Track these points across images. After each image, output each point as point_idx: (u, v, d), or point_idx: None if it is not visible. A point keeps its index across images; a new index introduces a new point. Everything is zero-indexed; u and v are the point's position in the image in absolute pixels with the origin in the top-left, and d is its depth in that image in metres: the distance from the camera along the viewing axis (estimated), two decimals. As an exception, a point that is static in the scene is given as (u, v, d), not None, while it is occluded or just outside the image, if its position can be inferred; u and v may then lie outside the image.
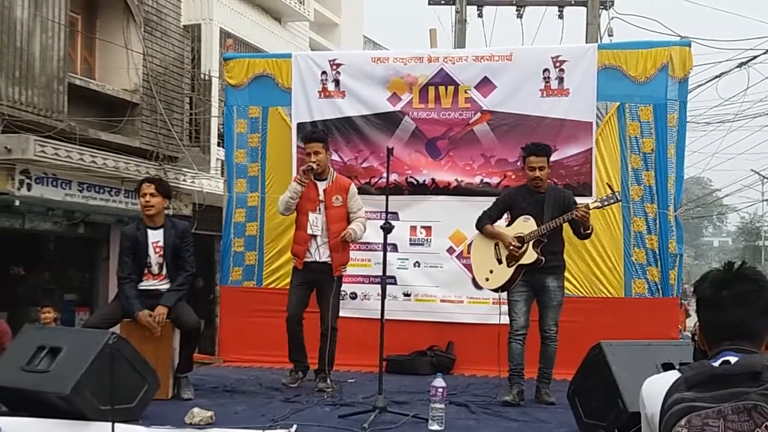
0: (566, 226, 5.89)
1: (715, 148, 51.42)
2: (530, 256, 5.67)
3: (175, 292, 5.66)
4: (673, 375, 1.88)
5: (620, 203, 6.69)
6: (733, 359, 1.86)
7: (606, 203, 5.91)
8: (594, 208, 5.80)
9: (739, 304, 1.93)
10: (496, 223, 5.99)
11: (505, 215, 6.06)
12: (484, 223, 5.96)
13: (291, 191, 6.12)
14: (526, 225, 5.73)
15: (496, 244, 5.85)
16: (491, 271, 5.86)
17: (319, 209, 6.13)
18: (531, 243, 5.67)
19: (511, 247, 5.71)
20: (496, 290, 5.91)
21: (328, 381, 5.97)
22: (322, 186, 6.18)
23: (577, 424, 4.42)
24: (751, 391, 1.73)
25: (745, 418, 1.70)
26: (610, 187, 6.38)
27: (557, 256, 5.84)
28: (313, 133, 6.60)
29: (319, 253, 6.09)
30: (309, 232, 6.09)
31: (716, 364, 1.87)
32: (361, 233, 6.20)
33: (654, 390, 1.91)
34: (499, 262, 5.81)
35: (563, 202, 5.78)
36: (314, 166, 6.08)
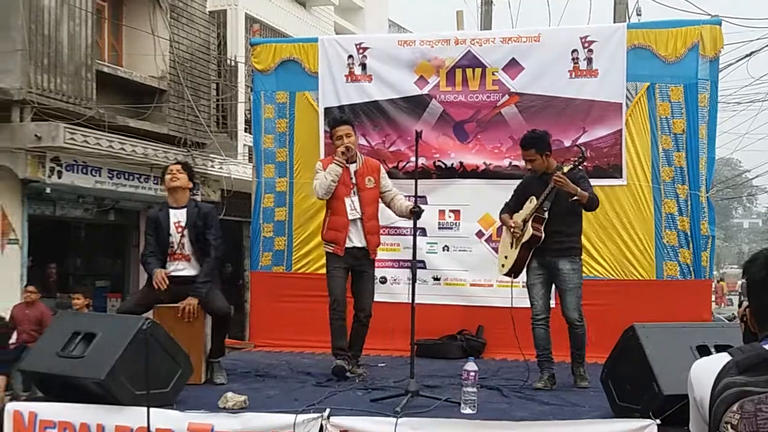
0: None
1: (745, 129, 50.79)
2: (527, 233, 5.60)
3: (203, 282, 5.69)
4: (723, 358, 1.84)
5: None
6: None
7: (576, 162, 5.65)
8: (567, 170, 5.56)
9: None
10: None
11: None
12: (502, 213, 5.95)
13: (333, 174, 5.97)
14: (530, 205, 5.68)
15: (512, 231, 5.82)
16: (506, 257, 5.84)
17: (354, 192, 6.06)
18: (530, 221, 5.60)
19: (513, 230, 5.69)
20: (508, 275, 5.85)
21: (362, 368, 5.99)
22: (352, 169, 6.09)
23: (611, 408, 4.40)
24: None
25: None
26: (578, 146, 6.18)
27: (571, 238, 5.67)
28: (341, 117, 6.59)
29: (360, 237, 6.02)
30: (350, 217, 6.00)
31: (767, 347, 1.82)
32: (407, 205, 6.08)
33: (704, 373, 1.86)
34: (512, 246, 5.79)
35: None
36: (351, 146, 6.03)
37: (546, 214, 5.58)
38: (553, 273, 5.65)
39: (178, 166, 5.98)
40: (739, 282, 42.64)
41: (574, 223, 5.75)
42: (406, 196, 6.40)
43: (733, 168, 44.03)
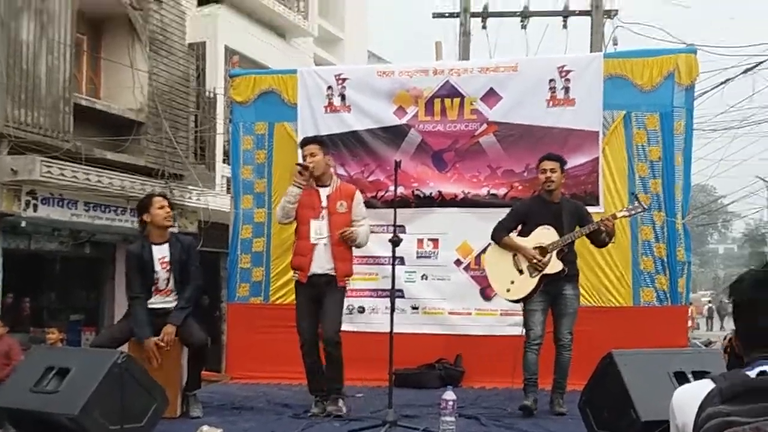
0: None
1: (720, 155, 51.35)
2: (555, 265, 5.65)
3: (181, 309, 5.65)
4: (707, 385, 1.79)
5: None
6: None
7: (633, 212, 5.94)
8: (621, 216, 5.84)
9: None
10: (511, 235, 5.96)
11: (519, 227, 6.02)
12: (500, 234, 5.92)
13: (288, 195, 5.78)
14: (548, 234, 5.71)
15: (515, 255, 5.81)
16: (512, 282, 5.81)
17: (322, 216, 5.74)
18: (554, 253, 5.65)
19: (534, 260, 5.68)
20: (517, 301, 5.86)
21: (340, 403, 5.58)
22: (324, 192, 5.82)
23: (589, 435, 4.38)
24: None
25: None
26: (636, 197, 6.29)
27: (573, 265, 5.85)
28: (308, 138, 6.35)
29: (325, 262, 5.68)
30: (312, 240, 5.68)
31: (752, 374, 1.78)
32: (364, 239, 5.84)
33: (687, 401, 1.82)
34: (520, 272, 5.77)
35: (578, 212, 5.84)
36: (309, 165, 5.74)
37: (567, 248, 5.70)
38: (556, 298, 5.73)
39: (167, 202, 5.86)
40: (706, 306, 42.90)
41: (573, 251, 5.91)
42: (385, 225, 6.36)
43: (708, 194, 44.44)
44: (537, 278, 5.69)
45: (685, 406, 1.80)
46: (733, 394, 1.71)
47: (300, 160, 5.94)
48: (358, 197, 5.94)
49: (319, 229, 5.71)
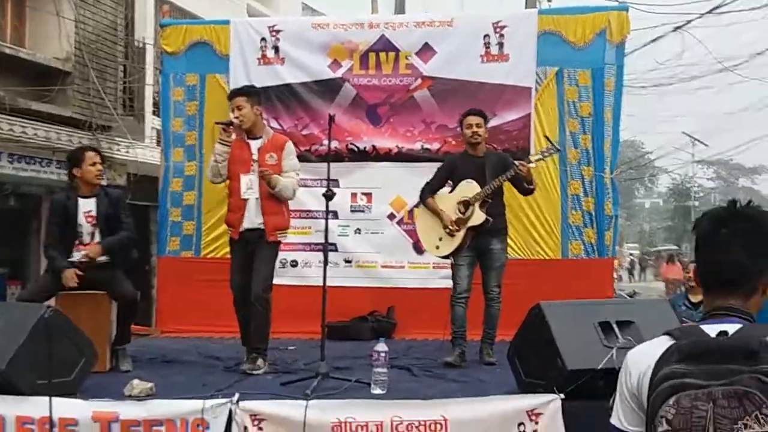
0: (509, 188, 5.97)
1: (649, 112, 52.43)
2: (478, 217, 5.71)
3: (113, 240, 5.59)
4: (663, 343, 1.77)
5: (558, 155, 6.67)
6: (731, 329, 1.74)
7: (546, 154, 5.97)
8: (537, 160, 5.89)
9: (738, 243, 1.82)
10: (441, 190, 6.00)
11: (448, 183, 6.06)
12: (426, 195, 5.99)
13: (214, 153, 5.60)
14: (470, 188, 5.77)
15: (442, 212, 5.87)
16: (440, 239, 5.87)
17: (253, 170, 5.51)
18: (477, 204, 5.71)
19: (448, 229, 5.76)
20: (446, 257, 5.91)
21: (259, 361, 5.35)
22: (255, 145, 5.59)
23: (517, 384, 4.48)
24: (745, 371, 1.63)
25: (736, 404, 1.61)
26: (548, 138, 6.36)
27: (499, 219, 5.90)
28: (234, 89, 6.09)
29: (253, 218, 5.51)
30: (242, 196, 5.50)
31: (712, 333, 1.75)
32: (289, 191, 5.56)
33: (642, 359, 1.80)
34: (448, 228, 5.82)
35: (502, 163, 5.85)
36: (235, 120, 5.55)
37: (490, 198, 5.72)
38: (483, 252, 5.80)
39: (99, 158, 5.72)
40: (628, 259, 44.23)
41: (501, 203, 5.97)
42: (319, 180, 6.27)
43: (636, 149, 45.43)
44: (463, 231, 5.75)
45: (641, 365, 1.79)
46: (690, 352, 1.70)
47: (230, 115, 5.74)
48: (289, 148, 5.69)
49: (249, 183, 5.52)
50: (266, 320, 5.48)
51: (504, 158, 6.01)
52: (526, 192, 6.00)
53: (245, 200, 5.54)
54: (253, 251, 5.54)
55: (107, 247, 5.60)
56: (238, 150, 5.64)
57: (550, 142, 6.12)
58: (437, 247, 5.93)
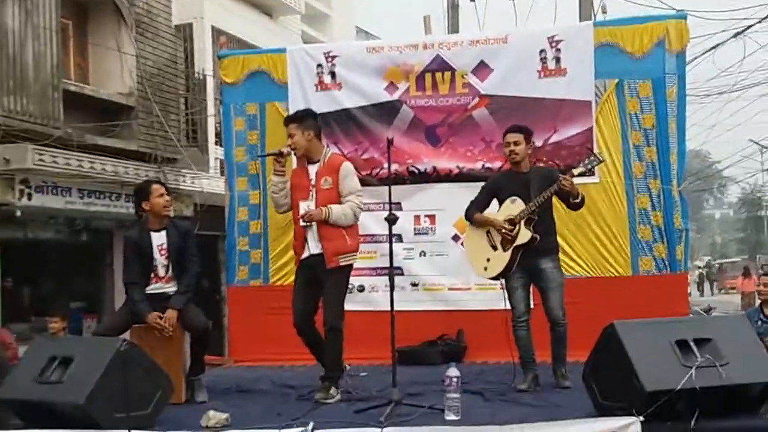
0: (560, 206, 5.88)
1: (713, 120, 51.32)
2: (524, 235, 5.60)
3: (182, 294, 5.65)
4: None
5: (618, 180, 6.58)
6: None
7: (588, 166, 5.78)
8: (578, 174, 5.73)
9: None
10: (486, 211, 5.90)
11: (495, 202, 5.97)
12: (472, 212, 5.89)
13: (272, 186, 5.67)
14: (514, 206, 5.66)
15: (488, 232, 5.77)
16: (488, 260, 5.79)
17: (311, 196, 5.48)
18: (522, 222, 5.61)
19: (504, 231, 5.64)
20: (495, 278, 5.82)
21: (332, 390, 5.35)
22: (313, 169, 5.54)
23: (594, 406, 4.40)
24: None
25: None
26: (590, 149, 6.24)
27: (549, 238, 5.75)
28: (286, 118, 6.03)
29: (313, 245, 5.48)
30: (300, 224, 5.49)
31: None
32: (342, 217, 5.44)
33: None
34: (494, 248, 5.74)
35: (547, 178, 5.69)
36: (285, 150, 5.58)
37: (536, 215, 5.61)
38: (534, 274, 5.67)
39: (164, 190, 5.83)
40: (697, 272, 43.18)
41: (551, 221, 5.83)
42: (381, 203, 6.25)
43: (702, 160, 44.48)
44: (510, 251, 5.65)
45: None
46: None
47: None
48: (345, 170, 5.56)
49: (307, 210, 5.47)
50: (338, 348, 5.49)
51: (549, 173, 5.86)
52: (574, 207, 5.83)
53: (303, 227, 5.55)
54: (318, 278, 5.55)
55: (189, 289, 5.67)
56: (297, 177, 5.68)
57: (592, 153, 6.01)
58: (485, 269, 5.83)
